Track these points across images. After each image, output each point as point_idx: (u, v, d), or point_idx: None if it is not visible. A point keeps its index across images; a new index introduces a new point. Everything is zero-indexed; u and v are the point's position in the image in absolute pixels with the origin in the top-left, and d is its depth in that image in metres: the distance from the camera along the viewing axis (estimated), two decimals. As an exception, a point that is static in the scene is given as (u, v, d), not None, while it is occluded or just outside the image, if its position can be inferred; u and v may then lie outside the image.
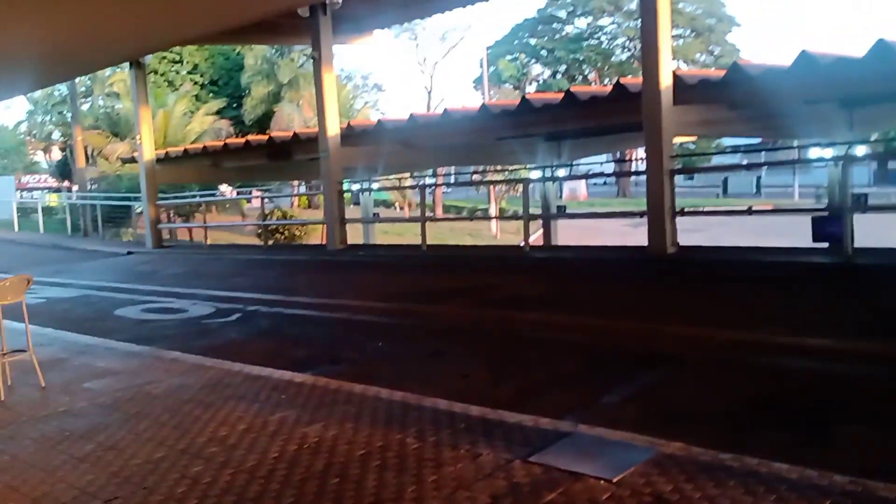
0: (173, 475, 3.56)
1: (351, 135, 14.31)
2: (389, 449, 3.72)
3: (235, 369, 5.68)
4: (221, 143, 17.91)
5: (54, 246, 20.36)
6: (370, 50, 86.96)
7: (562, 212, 14.46)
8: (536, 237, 14.60)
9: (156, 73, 35.78)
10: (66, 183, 33.60)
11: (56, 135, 32.46)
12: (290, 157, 16.44)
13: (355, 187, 17.99)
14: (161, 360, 6.14)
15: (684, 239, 9.89)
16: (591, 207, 31.96)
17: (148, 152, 17.71)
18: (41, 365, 5.60)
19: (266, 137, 16.82)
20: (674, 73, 9.96)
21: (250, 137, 18.11)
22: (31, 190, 35.72)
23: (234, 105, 34.05)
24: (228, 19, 12.70)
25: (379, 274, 11.66)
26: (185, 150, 18.74)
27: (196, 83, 35.82)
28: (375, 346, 6.78)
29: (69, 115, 31.81)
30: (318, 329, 7.95)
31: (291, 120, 29.30)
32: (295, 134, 15.68)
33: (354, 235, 14.78)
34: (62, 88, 35.62)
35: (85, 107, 34.58)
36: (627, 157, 37.12)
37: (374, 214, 17.06)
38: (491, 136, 14.08)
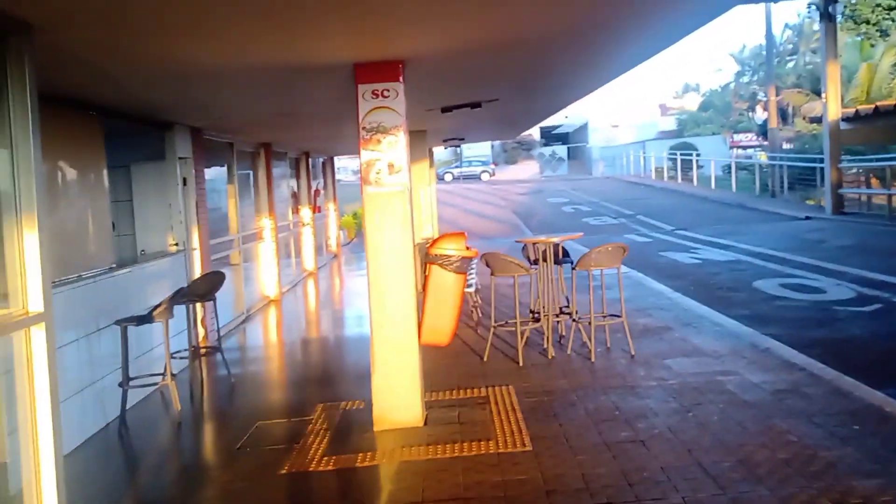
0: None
1: None
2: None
3: (826, 377, 4.94)
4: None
5: (739, 205, 21.07)
6: None
7: None
8: None
9: (867, 22, 32.78)
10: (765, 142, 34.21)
11: (761, 94, 33.31)
12: None
13: None
14: (752, 349, 5.78)
15: None
16: None
17: (833, 111, 16.55)
18: (649, 331, 5.92)
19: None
20: None
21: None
22: (744, 147, 37.60)
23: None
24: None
25: None
26: (876, 108, 16.74)
27: (919, 28, 31.35)
28: None
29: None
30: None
31: None
32: None
33: None
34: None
35: (790, 65, 34.22)
36: None
37: None
38: None
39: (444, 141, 13.71)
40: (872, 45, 29.58)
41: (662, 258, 12.03)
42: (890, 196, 15.38)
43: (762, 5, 24.10)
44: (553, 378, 5.35)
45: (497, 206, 24.58)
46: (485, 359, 5.98)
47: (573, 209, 22.78)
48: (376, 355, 4.49)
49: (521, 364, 5.74)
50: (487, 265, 6.06)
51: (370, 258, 4.48)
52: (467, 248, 4.55)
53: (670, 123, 51.32)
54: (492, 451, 4.01)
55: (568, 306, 6.40)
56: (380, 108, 4.41)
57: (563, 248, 6.55)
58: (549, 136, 53.62)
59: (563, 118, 56.32)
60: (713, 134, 39.62)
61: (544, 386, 5.16)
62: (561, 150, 52.12)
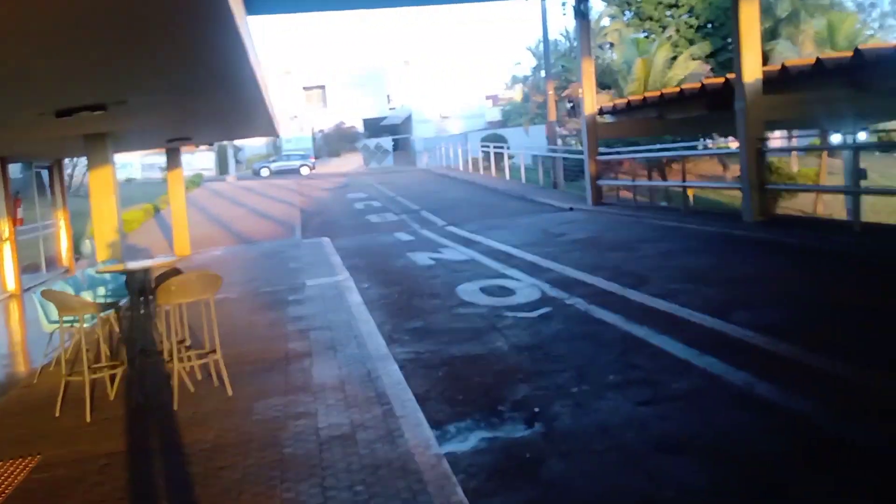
0: None
1: (785, 79, 11.22)
2: None
3: (400, 414, 4.61)
4: (658, 94, 16.10)
5: (521, 197, 21.40)
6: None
7: None
8: None
9: (651, 19, 34.79)
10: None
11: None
12: (730, 106, 13.87)
13: (835, 139, 14.44)
14: (364, 380, 5.40)
15: None
16: None
17: (589, 106, 17.01)
18: (281, 361, 5.43)
19: (699, 85, 14.44)
20: None
21: (685, 86, 15.85)
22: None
23: (730, 47, 31.01)
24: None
25: (783, 266, 8.82)
26: (629, 102, 17.48)
27: (691, 26, 33.69)
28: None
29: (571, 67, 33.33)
30: (596, 359, 6.17)
31: (785, 59, 25.26)
32: (727, 80, 13.03)
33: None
34: (568, 42, 37.37)
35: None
36: None
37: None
38: None
39: (169, 141, 12.76)
40: (652, 41, 31.35)
41: (402, 260, 11.74)
42: (634, 187, 16.06)
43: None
44: (108, 438, 4.66)
45: (289, 205, 23.67)
46: (56, 414, 5.20)
47: (364, 206, 22.34)
48: None
49: (89, 420, 5.02)
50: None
51: None
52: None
53: (497, 114, 52.38)
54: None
55: (163, 343, 5.74)
56: None
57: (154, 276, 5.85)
58: (375, 128, 53.17)
59: (389, 109, 56.20)
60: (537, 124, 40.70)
61: (84, 452, 4.47)
62: (386, 141, 51.80)
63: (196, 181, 33.84)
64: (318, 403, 4.98)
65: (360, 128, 52.31)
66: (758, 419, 4.28)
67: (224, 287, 9.96)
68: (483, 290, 8.79)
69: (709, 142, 25.67)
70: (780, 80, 11.95)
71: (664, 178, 25.15)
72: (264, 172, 42.28)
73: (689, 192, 15.73)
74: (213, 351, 5.53)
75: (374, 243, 14.19)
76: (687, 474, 3.70)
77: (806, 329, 5.86)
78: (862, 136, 19.73)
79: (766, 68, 12.04)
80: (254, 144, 48.24)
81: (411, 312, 7.95)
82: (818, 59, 11.87)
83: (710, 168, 30.88)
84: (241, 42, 4.76)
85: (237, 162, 45.48)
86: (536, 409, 4.72)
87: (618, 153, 18.85)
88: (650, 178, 25.63)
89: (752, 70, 10.90)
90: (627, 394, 4.82)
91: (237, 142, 45.06)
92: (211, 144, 39.72)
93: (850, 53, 11.03)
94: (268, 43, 45.60)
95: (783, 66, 12.30)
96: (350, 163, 48.28)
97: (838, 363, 4.92)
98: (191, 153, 41.40)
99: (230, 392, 5.35)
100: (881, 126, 23.94)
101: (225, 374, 5.46)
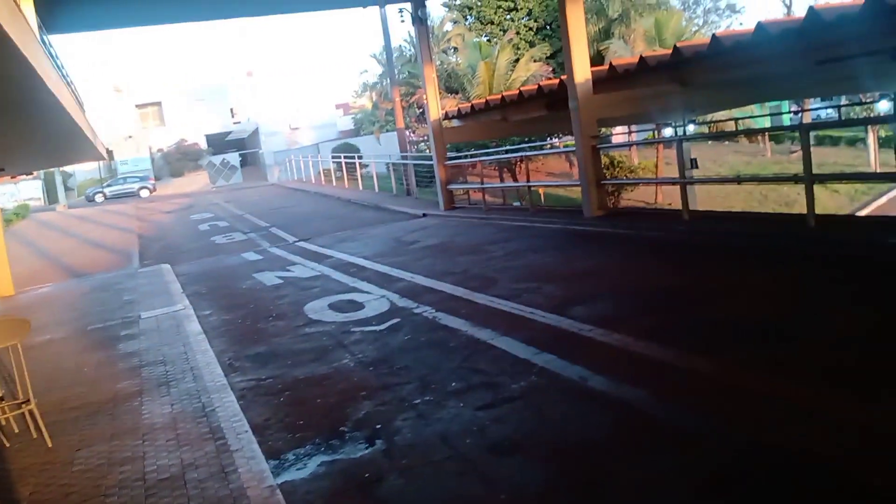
0: None
1: (613, 78, 11.80)
2: None
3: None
4: (499, 97, 16.54)
5: (375, 207, 21.31)
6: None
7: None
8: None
9: (492, 23, 35.82)
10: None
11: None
12: (567, 105, 14.44)
13: (667, 132, 15.32)
14: (165, 431, 5.09)
15: None
16: None
17: (434, 111, 17.18)
18: (109, 404, 4.97)
19: (536, 87, 14.96)
20: None
21: (524, 88, 16.40)
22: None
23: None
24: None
25: (618, 258, 9.24)
26: (472, 106, 17.83)
27: (530, 29, 34.98)
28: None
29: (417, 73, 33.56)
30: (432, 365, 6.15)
31: (619, 58, 26.77)
32: (561, 81, 13.55)
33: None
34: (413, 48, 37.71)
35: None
36: None
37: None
38: (812, 59, 10.26)
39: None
40: (494, 44, 32.25)
41: (248, 282, 11.28)
42: (483, 190, 16.40)
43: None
44: None
45: (126, 232, 22.31)
46: None
47: (210, 226, 21.42)
48: None
49: None
50: None
51: None
52: None
53: (350, 123, 51.91)
54: None
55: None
56: None
57: None
58: (219, 144, 51.32)
59: (234, 124, 54.38)
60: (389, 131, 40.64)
61: None
62: (233, 157, 50.15)
63: (21, 213, 31.20)
64: (147, 446, 4.63)
65: (204, 144, 50.33)
66: (590, 412, 4.39)
67: (49, 328, 9.25)
68: (331, 306, 8.59)
69: (556, 140, 26.75)
70: (609, 79, 12.54)
71: (515, 179, 25.94)
72: (99, 198, 39.76)
73: (540, 191, 16.26)
74: (27, 401, 5.03)
75: (219, 266, 13.59)
76: (520, 474, 3.73)
77: (636, 318, 6.12)
78: (691, 129, 21.21)
79: (596, 68, 12.60)
80: (86, 169, 45.16)
81: (255, 337, 7.63)
82: (641, 57, 12.57)
83: (559, 165, 32.22)
84: (32, 69, 4.34)
85: (67, 189, 42.39)
86: (378, 426, 4.61)
87: (466, 156, 19.17)
88: (501, 179, 26.39)
89: (581, 70, 11.36)
90: (468, 400, 4.81)
91: (67, 167, 42.06)
92: (30, 174, 36.84)
93: (670, 51, 11.72)
94: (94, 61, 42.95)
95: (611, 66, 12.91)
96: (195, 182, 46.30)
97: (666, 349, 5.15)
98: (14, 183, 38.14)
99: (49, 443, 4.87)
100: (711, 117, 25.92)
101: (42, 423, 4.97)
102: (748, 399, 4.16)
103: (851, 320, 5.24)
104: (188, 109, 49.85)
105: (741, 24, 43.30)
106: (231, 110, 53.34)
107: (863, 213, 25.11)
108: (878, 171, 27.64)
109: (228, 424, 4.81)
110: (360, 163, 27.97)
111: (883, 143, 30.31)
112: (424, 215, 17.51)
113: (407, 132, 34.32)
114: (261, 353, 6.91)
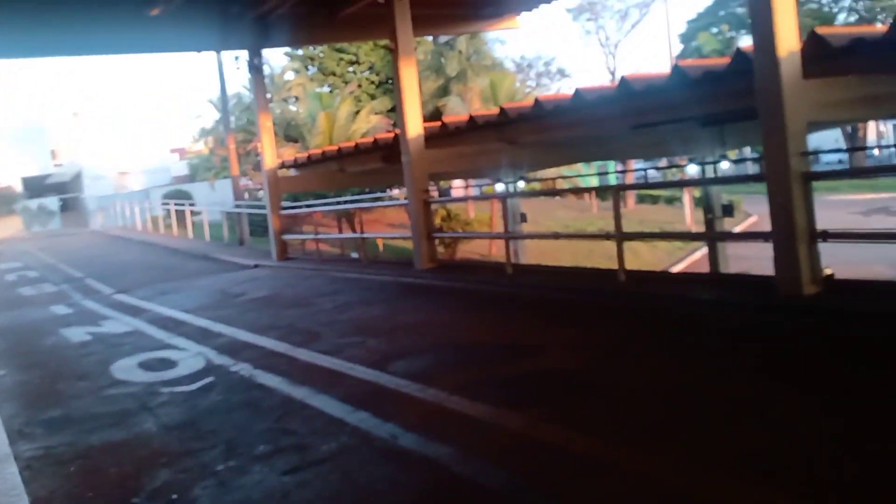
0: None
1: (445, 134, 12.15)
2: None
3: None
4: (336, 148, 16.55)
5: (204, 256, 20.40)
6: (543, 31, 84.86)
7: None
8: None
9: (334, 74, 36.06)
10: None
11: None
12: (400, 159, 14.68)
13: (499, 188, 15.84)
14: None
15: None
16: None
17: (269, 160, 16.83)
18: None
19: (372, 140, 15.12)
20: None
21: (360, 140, 16.57)
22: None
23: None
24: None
25: (443, 312, 9.36)
26: (309, 156, 17.69)
27: (372, 82, 35.53)
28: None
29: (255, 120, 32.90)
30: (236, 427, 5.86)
31: (455, 114, 27.75)
32: (396, 135, 13.79)
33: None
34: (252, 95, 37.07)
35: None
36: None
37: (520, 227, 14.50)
38: (626, 124, 11.02)
39: None
40: (336, 96, 32.39)
41: (53, 338, 10.30)
42: (317, 241, 16.19)
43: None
44: None
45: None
46: None
47: (17, 277, 19.54)
48: None
49: None
50: None
51: None
52: None
53: (185, 168, 49.84)
54: None
55: None
56: None
57: None
58: (37, 188, 47.47)
59: (55, 166, 50.59)
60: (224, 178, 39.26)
61: None
62: (52, 202, 46.51)
63: None
64: None
65: (19, 188, 46.34)
66: (397, 472, 4.30)
67: None
68: (142, 364, 7.99)
69: (397, 191, 27.04)
70: (441, 135, 12.88)
71: (353, 230, 25.85)
72: None
73: (379, 242, 16.25)
74: None
75: (23, 320, 12.36)
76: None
77: (453, 373, 6.15)
78: (521, 185, 22.16)
79: (429, 124, 12.92)
80: None
81: (51, 399, 6.92)
82: (471, 116, 13.04)
83: (399, 217, 32.54)
84: None
85: None
86: (174, 496, 4.26)
87: (302, 206, 18.89)
88: (340, 229, 26.21)
89: (414, 126, 11.59)
90: (275, 464, 4.57)
91: None
92: None
93: (497, 111, 12.24)
94: None
95: (442, 123, 13.30)
96: (7, 228, 42.34)
97: (478, 404, 5.19)
98: None
99: None
100: (542, 174, 27.23)
101: None
102: (550, 454, 4.24)
103: (651, 373, 5.56)
104: (2, 150, 45.80)
105: (572, 88, 46.44)
106: (52, 152, 49.68)
107: (678, 267, 27.31)
108: (693, 229, 30.31)
109: (6, 500, 4.27)
110: (190, 210, 26.77)
111: (697, 203, 33.31)
112: (256, 266, 16.98)
113: (245, 180, 33.49)
114: (55, 418, 6.28)
